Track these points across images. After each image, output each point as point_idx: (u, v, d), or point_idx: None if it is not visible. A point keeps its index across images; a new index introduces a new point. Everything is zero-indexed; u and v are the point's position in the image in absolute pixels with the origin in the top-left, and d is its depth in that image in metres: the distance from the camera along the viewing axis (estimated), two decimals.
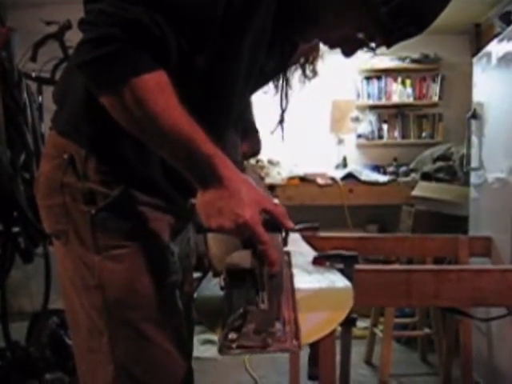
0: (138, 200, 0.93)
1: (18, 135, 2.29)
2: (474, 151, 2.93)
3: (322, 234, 2.02)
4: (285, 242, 0.86)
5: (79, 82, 0.89)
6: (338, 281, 0.99)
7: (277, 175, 4.20)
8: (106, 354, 0.91)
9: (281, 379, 2.69)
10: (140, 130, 0.81)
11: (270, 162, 4.31)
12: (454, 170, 3.68)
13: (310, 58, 1.12)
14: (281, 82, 1.11)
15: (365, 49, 0.93)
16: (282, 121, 1.14)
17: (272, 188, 3.75)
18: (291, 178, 4.17)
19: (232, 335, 0.71)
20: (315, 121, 4.63)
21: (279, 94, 1.11)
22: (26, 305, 3.71)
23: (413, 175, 4.12)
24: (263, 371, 2.90)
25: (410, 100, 4.79)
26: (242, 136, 1.17)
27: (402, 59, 4.67)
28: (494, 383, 2.53)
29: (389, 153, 4.79)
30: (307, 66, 1.12)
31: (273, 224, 0.82)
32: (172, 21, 0.78)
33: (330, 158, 4.70)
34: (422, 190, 3.61)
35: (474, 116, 2.88)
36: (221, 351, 0.71)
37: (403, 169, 4.41)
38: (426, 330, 3.04)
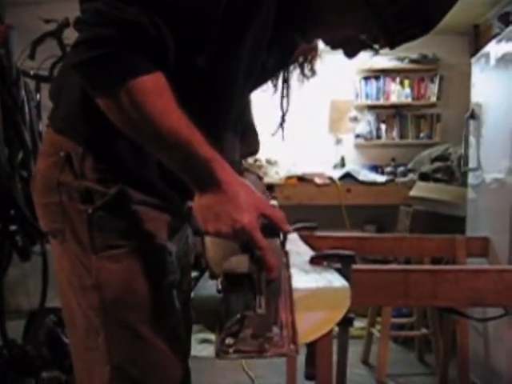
0: (135, 199, 0.93)
1: (15, 133, 2.28)
2: (471, 152, 2.93)
3: (320, 233, 2.02)
4: (283, 245, 0.85)
5: (75, 81, 0.88)
6: (336, 280, 0.99)
7: (275, 175, 4.20)
8: (103, 353, 0.91)
9: (278, 379, 2.69)
10: (136, 132, 0.81)
11: (268, 162, 4.32)
12: (451, 171, 3.68)
13: (308, 57, 1.12)
14: (281, 82, 1.10)
15: (368, 50, 0.91)
16: (282, 122, 1.14)
17: (271, 188, 3.75)
18: (289, 178, 4.17)
19: (229, 340, 0.71)
20: (313, 120, 4.64)
21: (280, 95, 1.10)
22: (24, 303, 3.70)
23: (411, 175, 4.13)
24: (260, 371, 2.90)
25: (409, 100, 4.79)
26: (241, 135, 1.16)
27: (401, 59, 4.68)
28: (490, 383, 2.53)
29: (387, 153, 4.80)
30: (306, 65, 1.12)
31: (271, 229, 0.81)
32: (171, 21, 0.77)
33: (328, 157, 4.70)
34: (420, 190, 3.62)
35: (472, 116, 2.88)
36: (218, 356, 0.71)
37: (401, 169, 4.42)
38: (423, 330, 3.04)
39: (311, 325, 0.80)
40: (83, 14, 0.80)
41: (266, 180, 3.97)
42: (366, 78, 4.79)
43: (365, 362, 3.13)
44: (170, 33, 0.78)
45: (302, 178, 4.17)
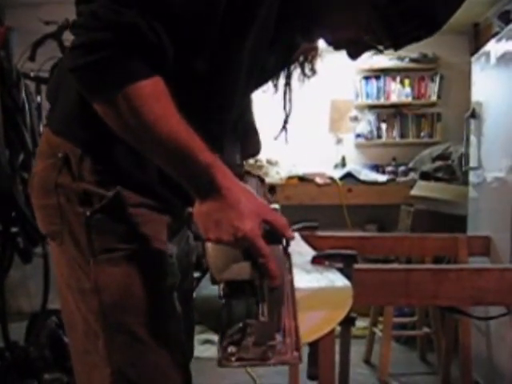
0: (134, 201, 0.91)
1: (16, 135, 2.29)
2: (472, 150, 2.93)
3: (321, 233, 2.02)
4: (285, 251, 0.85)
5: (72, 83, 0.86)
6: (337, 280, 0.99)
7: (275, 175, 4.20)
8: (103, 357, 0.90)
9: (280, 379, 2.69)
10: (134, 138, 0.79)
11: (269, 162, 4.31)
12: (452, 170, 3.68)
13: (308, 57, 1.11)
14: (284, 84, 1.09)
15: (371, 51, 0.90)
16: (285, 124, 1.13)
17: (272, 189, 3.74)
18: (290, 178, 4.17)
19: (231, 349, 0.71)
20: (314, 120, 4.63)
21: (283, 98, 1.09)
22: (25, 305, 3.71)
23: (412, 175, 4.12)
24: (262, 371, 2.90)
25: (409, 99, 4.78)
26: (242, 136, 1.15)
27: (401, 59, 4.67)
28: (493, 382, 2.53)
29: (388, 152, 4.79)
30: (306, 64, 1.12)
31: (273, 235, 0.80)
32: (170, 23, 0.76)
33: (329, 157, 4.70)
34: (421, 189, 3.61)
35: (473, 115, 2.88)
36: (220, 364, 0.71)
37: (402, 168, 4.41)
38: (425, 330, 3.04)
39: (313, 324, 0.80)
40: (79, 16, 0.79)
41: (267, 180, 3.97)
42: (367, 78, 4.79)
43: (367, 361, 3.13)
44: (168, 36, 0.76)
45: (302, 178, 4.17)
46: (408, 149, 4.69)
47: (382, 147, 4.87)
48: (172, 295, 0.96)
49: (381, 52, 0.90)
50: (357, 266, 1.12)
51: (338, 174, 4.23)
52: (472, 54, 3.30)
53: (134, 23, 0.73)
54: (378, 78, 4.77)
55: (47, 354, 2.42)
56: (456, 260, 2.30)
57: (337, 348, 1.43)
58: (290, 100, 1.10)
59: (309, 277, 0.99)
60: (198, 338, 3.14)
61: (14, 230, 2.34)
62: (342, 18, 0.86)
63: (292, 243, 0.85)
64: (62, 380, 2.33)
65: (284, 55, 1.03)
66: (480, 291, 1.24)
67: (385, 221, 4.41)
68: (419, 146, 4.51)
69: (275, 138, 1.16)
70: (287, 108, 1.10)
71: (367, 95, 4.80)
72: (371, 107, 4.85)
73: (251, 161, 3.85)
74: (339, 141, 4.79)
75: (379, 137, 4.86)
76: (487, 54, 2.74)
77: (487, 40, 2.99)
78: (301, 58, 1.11)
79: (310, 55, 1.12)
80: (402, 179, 4.23)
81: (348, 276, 1.01)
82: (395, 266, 2.48)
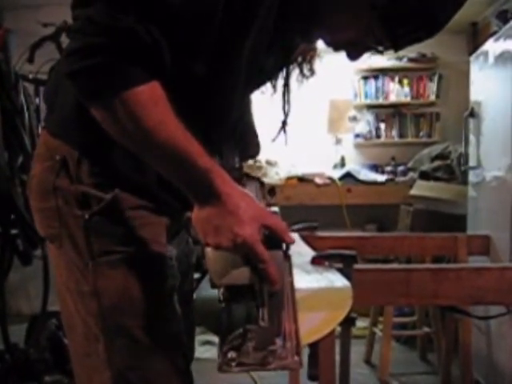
0: (133, 204, 0.91)
1: (15, 137, 2.29)
2: (471, 150, 2.93)
3: (321, 233, 2.01)
4: (286, 255, 0.84)
5: (69, 86, 0.85)
6: (337, 280, 0.98)
7: (275, 175, 4.20)
8: (103, 359, 0.90)
9: (280, 379, 2.69)
10: (132, 143, 0.79)
11: (268, 163, 4.31)
12: (451, 169, 3.68)
13: (307, 57, 1.11)
14: (282, 85, 1.09)
15: (371, 52, 0.90)
16: (284, 125, 1.12)
17: (272, 191, 3.74)
18: (289, 178, 4.17)
19: (231, 354, 0.71)
20: (313, 120, 4.63)
21: (282, 99, 1.09)
22: (25, 307, 3.71)
23: (411, 174, 4.12)
24: (263, 372, 2.88)
25: (408, 99, 4.79)
26: (241, 137, 1.15)
27: (400, 58, 4.67)
28: (493, 381, 2.53)
29: (387, 152, 4.79)
30: (305, 64, 1.12)
31: (273, 240, 0.79)
32: (168, 25, 0.75)
33: (328, 157, 4.70)
34: (420, 189, 3.61)
35: (472, 114, 2.88)
36: (220, 369, 0.71)
37: (401, 168, 4.41)
38: (426, 329, 3.04)
39: (313, 325, 0.79)
40: (75, 21, 0.78)
41: (267, 181, 3.97)
42: (365, 78, 4.79)
43: (367, 361, 3.13)
44: (166, 40, 0.75)
45: (302, 179, 4.17)
46: (407, 148, 4.69)
47: (381, 147, 4.87)
48: (172, 297, 0.96)
49: (380, 53, 0.90)
50: (357, 266, 1.12)
51: (337, 174, 4.23)
52: (470, 54, 3.30)
53: (131, 28, 0.72)
54: (376, 77, 4.78)
55: (47, 357, 2.42)
56: (456, 259, 2.29)
57: (337, 348, 1.43)
58: (289, 100, 1.09)
59: (309, 277, 0.99)
60: (198, 339, 3.14)
61: (14, 232, 2.34)
62: (341, 19, 0.85)
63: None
64: (62, 382, 2.33)
65: (283, 56, 1.02)
66: (480, 290, 1.24)
67: (384, 221, 4.41)
68: (418, 146, 4.51)
69: (274, 140, 1.15)
70: (286, 108, 1.10)
71: (366, 95, 4.81)
72: (370, 107, 4.85)
73: (250, 161, 3.85)
74: (338, 141, 4.79)
75: (378, 137, 4.86)
76: (485, 54, 2.74)
77: (485, 39, 2.99)
78: (299, 59, 1.11)
79: (309, 55, 1.12)
80: (401, 179, 4.23)
81: (348, 276, 1.00)
82: (395, 265, 2.48)
